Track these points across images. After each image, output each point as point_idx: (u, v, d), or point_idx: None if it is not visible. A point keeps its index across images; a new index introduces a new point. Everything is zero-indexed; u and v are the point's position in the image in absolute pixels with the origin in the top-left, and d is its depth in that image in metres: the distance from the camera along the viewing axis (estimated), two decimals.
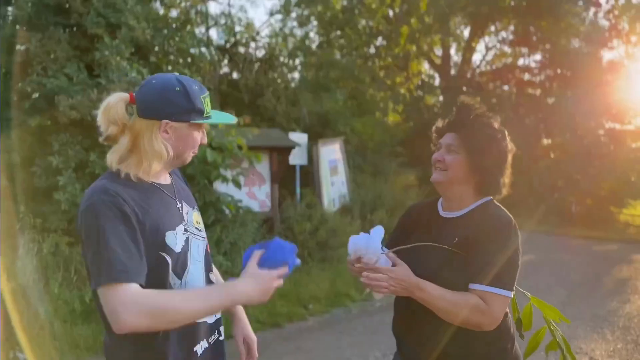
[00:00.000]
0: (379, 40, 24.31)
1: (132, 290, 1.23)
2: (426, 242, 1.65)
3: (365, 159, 14.74)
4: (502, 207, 1.71)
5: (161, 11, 7.82)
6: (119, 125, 1.39)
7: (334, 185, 10.01)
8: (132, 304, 1.21)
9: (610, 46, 18.78)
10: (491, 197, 1.73)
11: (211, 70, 8.45)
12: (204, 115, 1.45)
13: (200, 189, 5.87)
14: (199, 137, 1.49)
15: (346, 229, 8.28)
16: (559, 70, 18.69)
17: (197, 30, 9.15)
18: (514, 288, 1.63)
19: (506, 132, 1.71)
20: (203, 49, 9.00)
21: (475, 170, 1.64)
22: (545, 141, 19.49)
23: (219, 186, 6.47)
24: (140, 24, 6.30)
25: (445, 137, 1.71)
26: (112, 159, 1.41)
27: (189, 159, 1.51)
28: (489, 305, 1.54)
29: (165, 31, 7.08)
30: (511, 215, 1.68)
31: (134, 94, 1.41)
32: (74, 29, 6.30)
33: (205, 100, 1.45)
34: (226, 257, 5.96)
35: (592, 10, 18.94)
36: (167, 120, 1.39)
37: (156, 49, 7.02)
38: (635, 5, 18.12)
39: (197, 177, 5.79)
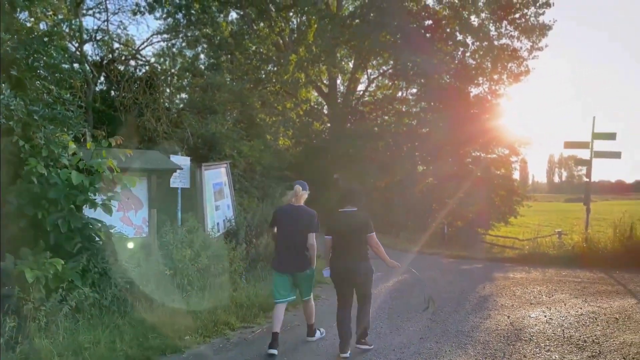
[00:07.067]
0: (270, 66, 24.67)
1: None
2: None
3: (253, 182, 14.69)
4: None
5: (28, 23, 7.20)
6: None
7: (219, 209, 9.80)
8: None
9: (476, 82, 20.88)
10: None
11: (84, 87, 7.90)
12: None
13: (65, 214, 5.40)
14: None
15: (230, 254, 8.11)
16: (432, 103, 20.28)
17: (70, 45, 8.53)
18: None
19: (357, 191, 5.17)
20: (75, 65, 8.41)
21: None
22: (421, 167, 20.97)
23: (89, 211, 6.00)
24: (1, 35, 5.74)
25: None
26: (304, 200, 5.31)
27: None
28: (374, 239, 4.89)
29: (35, 45, 6.51)
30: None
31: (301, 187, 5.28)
32: None
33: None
34: (93, 288, 5.50)
35: (461, 50, 20.98)
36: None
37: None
38: (496, 47, 20.39)
39: (61, 201, 5.32)
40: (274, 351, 4.82)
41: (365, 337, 5.02)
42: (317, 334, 5.46)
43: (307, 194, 5.29)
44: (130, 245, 6.93)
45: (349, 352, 4.82)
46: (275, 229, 5.22)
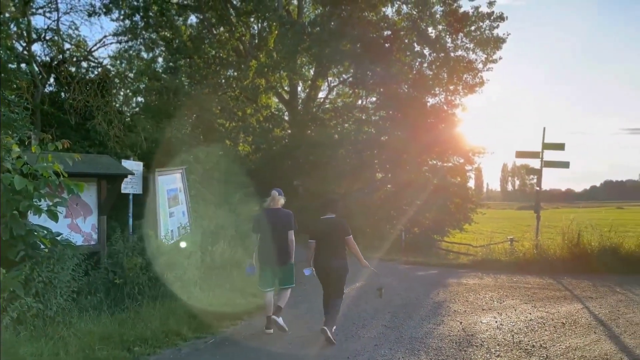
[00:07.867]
0: (230, 72, 24.42)
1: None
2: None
3: (210, 188, 14.43)
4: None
5: None
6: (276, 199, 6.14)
7: (173, 215, 9.56)
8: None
9: (433, 93, 21.27)
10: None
11: (31, 88, 7.56)
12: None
13: (7, 221, 5.13)
14: None
15: (184, 262, 7.91)
16: (391, 112, 20.53)
17: (17, 44, 8.15)
18: None
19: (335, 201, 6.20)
20: (23, 65, 8.05)
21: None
22: (379, 175, 21.17)
23: (34, 218, 5.72)
24: None
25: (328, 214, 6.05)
26: (281, 204, 6.19)
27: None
28: (352, 241, 5.89)
29: None
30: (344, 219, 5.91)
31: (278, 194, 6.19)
32: None
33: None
34: (37, 298, 5.24)
35: (418, 60, 21.37)
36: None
37: None
38: (453, 58, 20.89)
39: (3, 207, 5.05)
40: (270, 330, 5.91)
41: (332, 328, 5.66)
42: (281, 320, 5.91)
43: (283, 199, 6.19)
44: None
45: (333, 327, 5.75)
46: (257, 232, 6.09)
